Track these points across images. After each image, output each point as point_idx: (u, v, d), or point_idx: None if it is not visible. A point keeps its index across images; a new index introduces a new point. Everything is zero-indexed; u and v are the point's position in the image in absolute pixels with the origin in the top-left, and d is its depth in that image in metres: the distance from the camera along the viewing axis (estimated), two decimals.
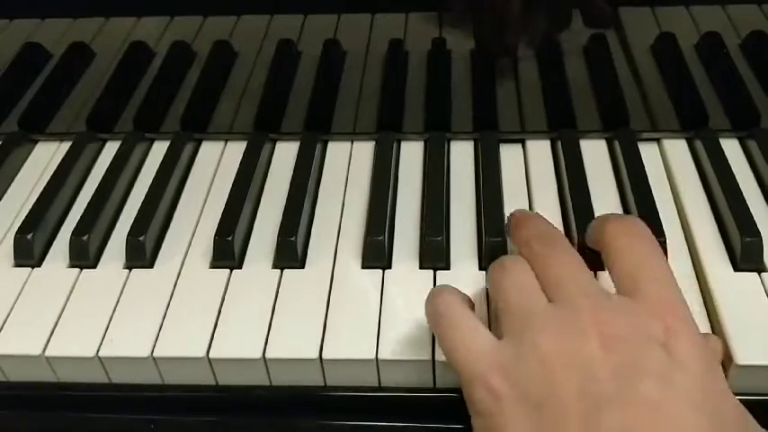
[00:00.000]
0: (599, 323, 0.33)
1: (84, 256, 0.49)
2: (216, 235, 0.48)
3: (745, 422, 0.34)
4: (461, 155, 0.56)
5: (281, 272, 0.47)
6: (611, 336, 0.33)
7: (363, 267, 0.47)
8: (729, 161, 0.52)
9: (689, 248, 0.47)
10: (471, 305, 0.40)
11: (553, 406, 0.32)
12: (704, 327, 0.42)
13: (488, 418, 0.34)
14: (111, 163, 0.55)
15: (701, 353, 0.34)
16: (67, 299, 0.47)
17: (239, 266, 0.48)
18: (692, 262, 0.47)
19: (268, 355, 0.42)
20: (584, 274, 0.37)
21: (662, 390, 0.32)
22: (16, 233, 0.50)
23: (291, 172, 0.54)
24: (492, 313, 0.43)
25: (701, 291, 0.45)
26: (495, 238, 0.47)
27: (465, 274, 0.46)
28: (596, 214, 0.48)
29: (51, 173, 0.55)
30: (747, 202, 0.48)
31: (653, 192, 0.50)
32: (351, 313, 0.44)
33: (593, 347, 0.33)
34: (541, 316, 0.35)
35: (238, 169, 0.54)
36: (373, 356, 0.42)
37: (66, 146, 0.58)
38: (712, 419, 0.32)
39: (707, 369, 0.33)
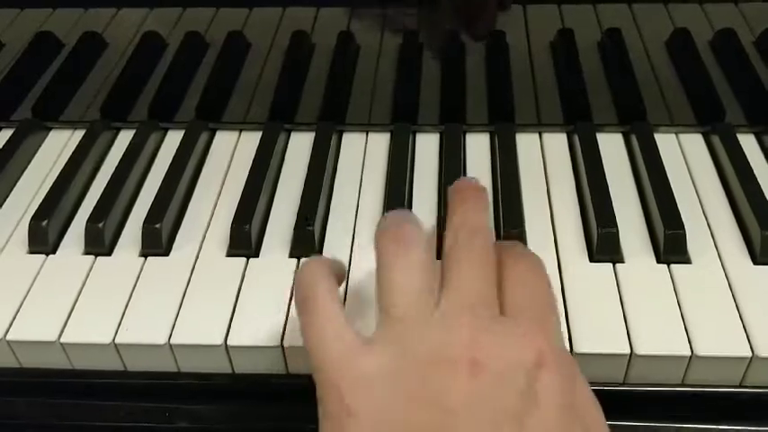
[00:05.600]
0: (472, 347, 0.33)
1: (100, 243, 0.48)
2: (233, 223, 0.48)
3: None
4: (477, 147, 0.55)
5: (298, 261, 0.47)
6: (481, 363, 0.33)
7: None
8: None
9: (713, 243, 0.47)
10: (339, 279, 0.38)
11: None
12: (714, 322, 0.42)
13: (338, 428, 0.33)
14: (126, 151, 0.55)
15: (564, 384, 0.34)
16: (82, 286, 0.46)
17: (256, 255, 0.48)
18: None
19: (286, 344, 0.42)
20: (482, 284, 0.36)
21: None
22: (31, 220, 0.49)
23: (306, 162, 0.54)
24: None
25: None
26: (514, 230, 0.47)
27: None
28: (615, 208, 0.48)
29: (65, 160, 0.55)
30: (766, 196, 0.48)
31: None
32: (368, 300, 0.44)
33: (461, 379, 0.32)
34: (420, 333, 0.34)
35: (254, 158, 0.53)
36: None
37: (79, 134, 0.58)
38: None
39: (566, 403, 0.33)
